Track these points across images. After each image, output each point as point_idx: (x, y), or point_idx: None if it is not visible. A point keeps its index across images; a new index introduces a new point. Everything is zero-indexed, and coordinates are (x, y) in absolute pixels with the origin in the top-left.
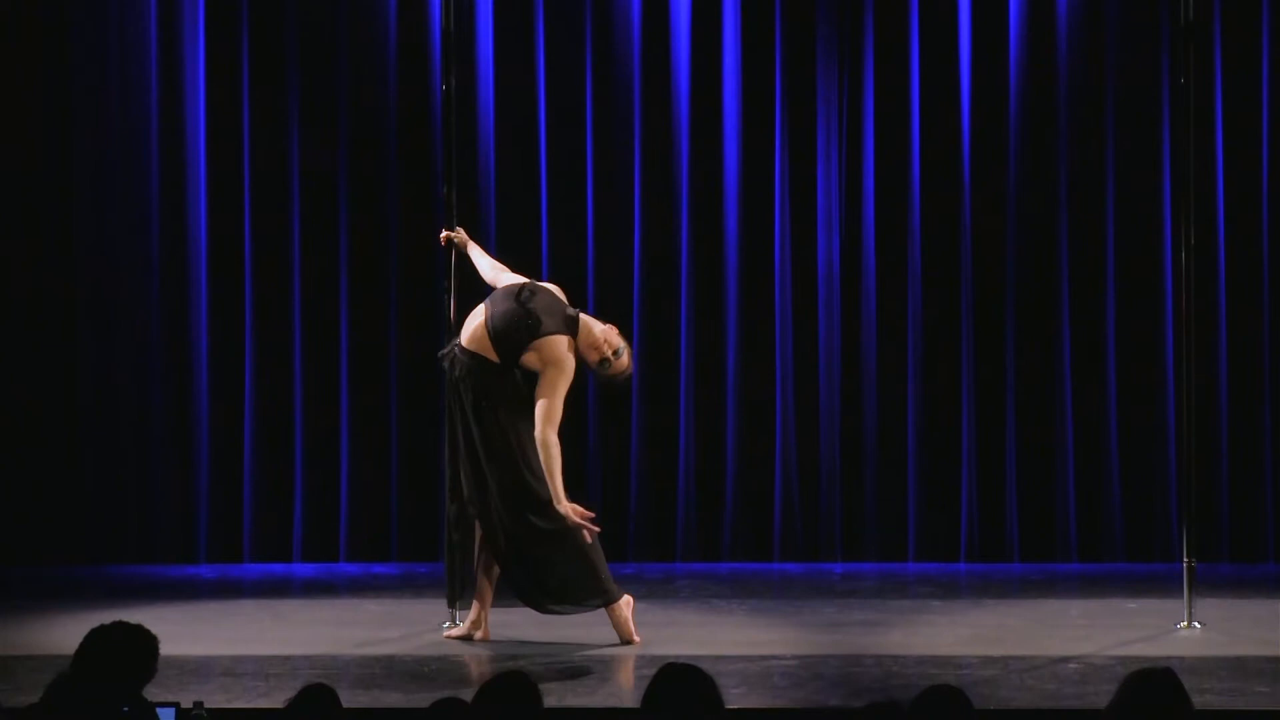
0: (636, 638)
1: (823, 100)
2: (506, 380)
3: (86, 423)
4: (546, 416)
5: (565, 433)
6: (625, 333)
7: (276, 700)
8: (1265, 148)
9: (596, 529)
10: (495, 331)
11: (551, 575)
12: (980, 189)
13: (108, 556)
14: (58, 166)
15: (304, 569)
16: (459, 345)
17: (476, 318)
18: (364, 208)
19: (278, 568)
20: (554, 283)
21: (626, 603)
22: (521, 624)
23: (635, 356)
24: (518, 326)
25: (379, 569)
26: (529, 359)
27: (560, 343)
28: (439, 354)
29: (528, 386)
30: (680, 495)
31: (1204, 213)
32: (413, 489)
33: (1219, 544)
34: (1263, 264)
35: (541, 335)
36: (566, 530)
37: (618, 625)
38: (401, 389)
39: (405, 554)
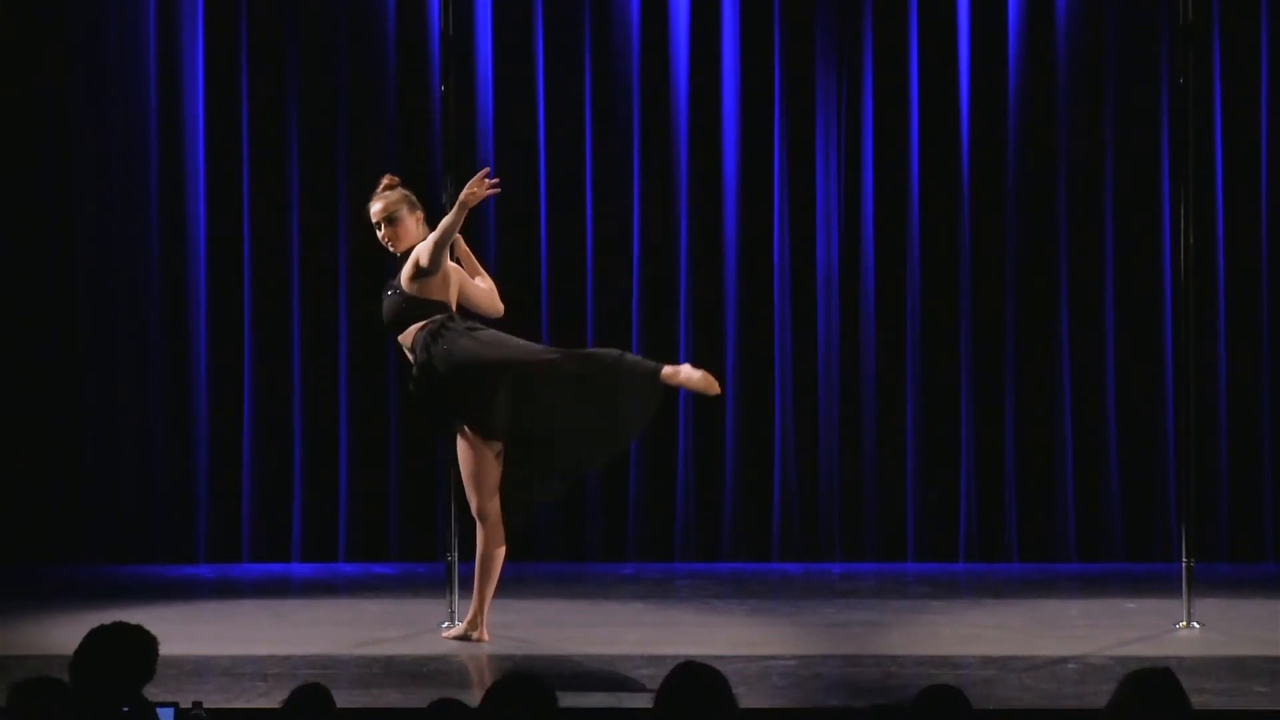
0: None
1: (822, 100)
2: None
3: (86, 423)
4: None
5: None
6: (625, 333)
7: (275, 700)
8: (1265, 148)
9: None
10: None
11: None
12: (979, 190)
13: (107, 556)
14: (58, 166)
15: (303, 569)
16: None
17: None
18: (364, 207)
19: (276, 567)
20: (553, 283)
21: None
22: (520, 624)
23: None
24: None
25: (378, 569)
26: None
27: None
28: None
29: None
30: (680, 495)
31: (1203, 213)
32: (412, 489)
33: (1218, 544)
34: (1262, 264)
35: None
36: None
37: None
38: (400, 389)
39: (404, 554)
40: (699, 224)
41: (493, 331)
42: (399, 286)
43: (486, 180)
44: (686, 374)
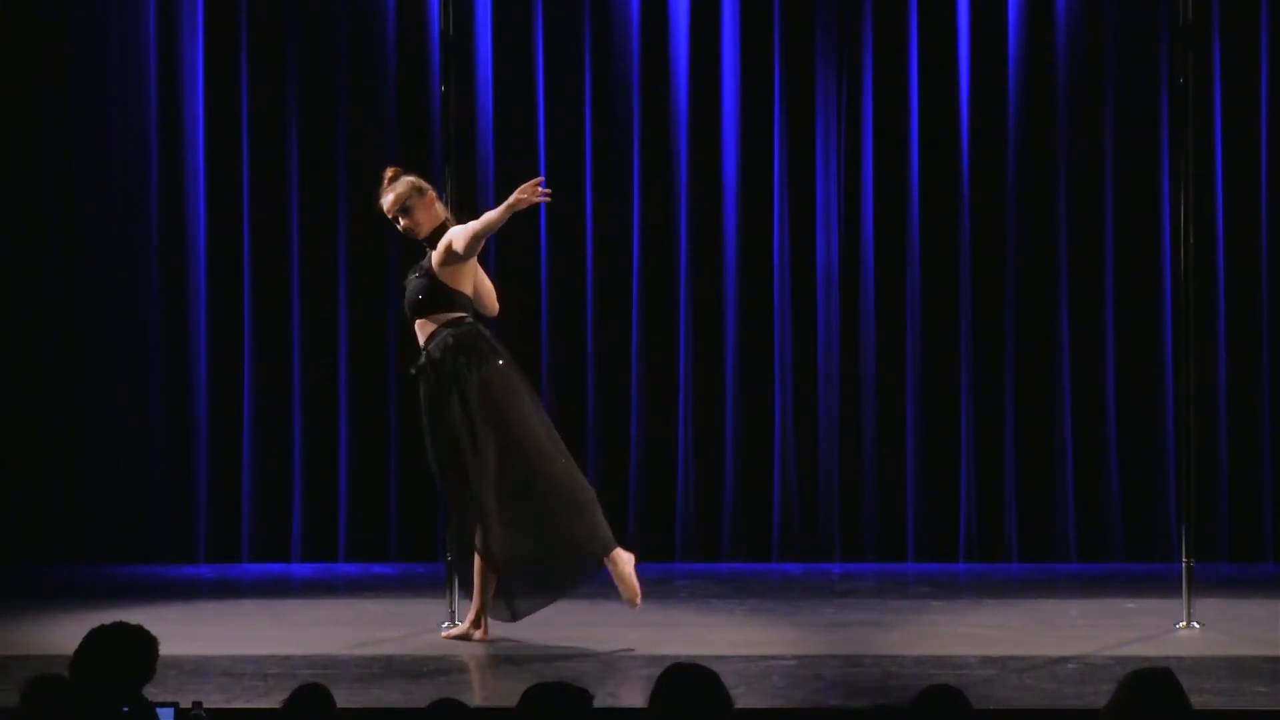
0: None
1: (822, 100)
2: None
3: (86, 423)
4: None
5: (564, 432)
6: (624, 332)
7: (275, 700)
8: (1264, 148)
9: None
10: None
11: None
12: (979, 190)
13: (107, 556)
14: (58, 166)
15: (303, 569)
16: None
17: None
18: (363, 208)
19: (277, 567)
20: (553, 283)
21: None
22: (520, 624)
23: (635, 356)
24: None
25: (378, 569)
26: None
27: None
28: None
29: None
30: (680, 495)
31: (1203, 213)
32: (412, 489)
33: (1218, 544)
34: (1261, 264)
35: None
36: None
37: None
38: (401, 389)
39: (404, 554)
40: (699, 224)
41: (517, 375)
42: (428, 270)
43: (540, 189)
44: (626, 572)
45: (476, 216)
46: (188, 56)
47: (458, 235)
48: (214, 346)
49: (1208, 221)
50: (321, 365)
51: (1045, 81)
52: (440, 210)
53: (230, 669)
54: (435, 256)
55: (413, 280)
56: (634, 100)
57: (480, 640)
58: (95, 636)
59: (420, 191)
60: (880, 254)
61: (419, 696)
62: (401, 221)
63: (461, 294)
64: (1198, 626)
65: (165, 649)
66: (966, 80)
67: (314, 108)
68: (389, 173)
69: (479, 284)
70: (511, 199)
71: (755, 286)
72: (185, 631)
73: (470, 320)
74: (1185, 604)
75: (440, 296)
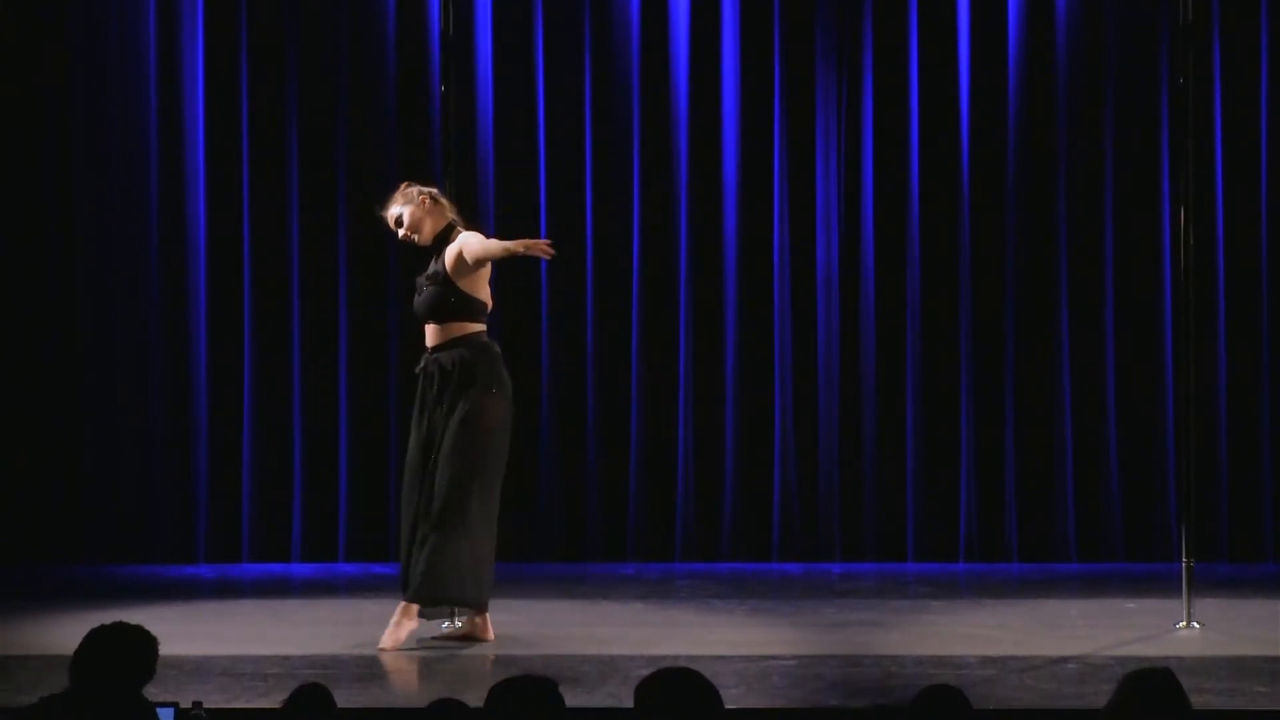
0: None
1: (822, 100)
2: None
3: (86, 423)
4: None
5: (565, 432)
6: (625, 332)
7: (275, 700)
8: (1264, 148)
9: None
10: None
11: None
12: (979, 190)
13: (107, 556)
14: (58, 166)
15: (303, 569)
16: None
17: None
18: (363, 208)
19: (276, 568)
20: (553, 283)
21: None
22: (520, 624)
23: (635, 357)
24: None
25: (378, 569)
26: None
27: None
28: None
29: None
30: (680, 496)
31: (1203, 213)
32: None
33: (1218, 544)
34: (1261, 264)
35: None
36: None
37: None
38: (401, 389)
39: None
40: (699, 224)
41: (507, 412)
42: (446, 279)
43: (547, 250)
44: (466, 634)
45: (476, 216)
46: (188, 56)
47: (470, 247)
48: (214, 346)
49: (1208, 221)
50: (321, 365)
51: (1045, 81)
52: (445, 211)
53: (230, 669)
54: (449, 265)
55: (430, 288)
56: (634, 100)
57: (483, 639)
58: (95, 636)
59: (408, 199)
60: (880, 254)
61: (419, 696)
62: (401, 232)
63: (480, 300)
64: (1198, 626)
65: (165, 649)
66: (966, 80)
67: (314, 108)
68: (399, 189)
69: None
70: (517, 247)
71: (755, 286)
72: (185, 631)
73: (487, 338)
74: (1185, 604)
75: (461, 306)
